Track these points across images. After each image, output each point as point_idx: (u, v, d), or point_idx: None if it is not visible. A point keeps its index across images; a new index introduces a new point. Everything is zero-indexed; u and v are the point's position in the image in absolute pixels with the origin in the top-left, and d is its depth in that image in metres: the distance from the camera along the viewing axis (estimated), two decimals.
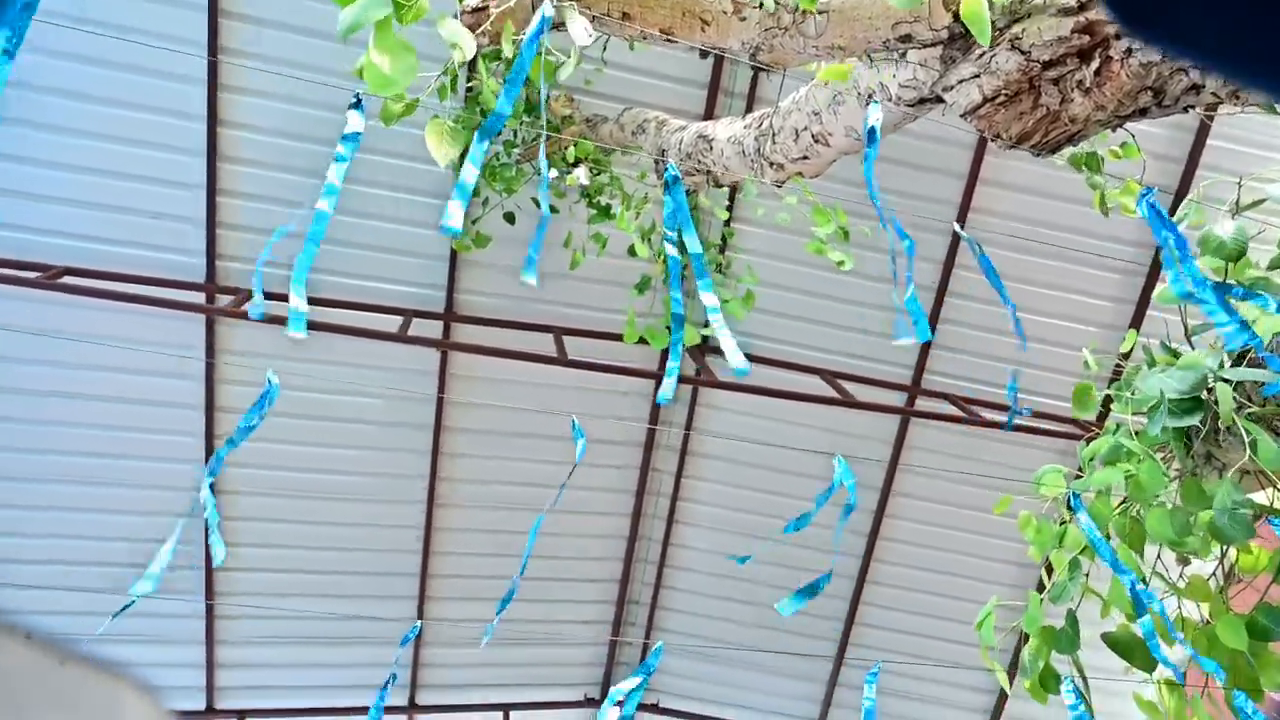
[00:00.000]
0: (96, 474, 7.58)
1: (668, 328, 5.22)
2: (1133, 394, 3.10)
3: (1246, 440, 2.56)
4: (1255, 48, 0.31)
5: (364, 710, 9.01)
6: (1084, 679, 3.15)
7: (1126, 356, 3.83)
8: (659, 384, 8.27)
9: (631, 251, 6.45)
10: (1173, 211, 6.90)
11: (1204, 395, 3.05)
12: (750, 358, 8.23)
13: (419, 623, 5.52)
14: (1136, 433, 3.39)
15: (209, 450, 7.68)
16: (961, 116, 2.50)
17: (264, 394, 3.80)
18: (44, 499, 7.52)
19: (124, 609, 4.45)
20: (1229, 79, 0.37)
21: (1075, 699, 3.06)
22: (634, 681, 4.82)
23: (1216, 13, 0.30)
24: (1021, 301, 8.13)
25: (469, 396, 8.13)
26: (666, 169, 2.97)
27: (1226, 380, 2.63)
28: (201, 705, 8.52)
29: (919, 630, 9.30)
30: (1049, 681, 3.12)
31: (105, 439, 7.47)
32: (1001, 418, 8.03)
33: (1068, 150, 4.69)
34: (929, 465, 8.77)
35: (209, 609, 8.19)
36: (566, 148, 5.99)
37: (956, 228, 4.05)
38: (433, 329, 7.62)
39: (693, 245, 3.06)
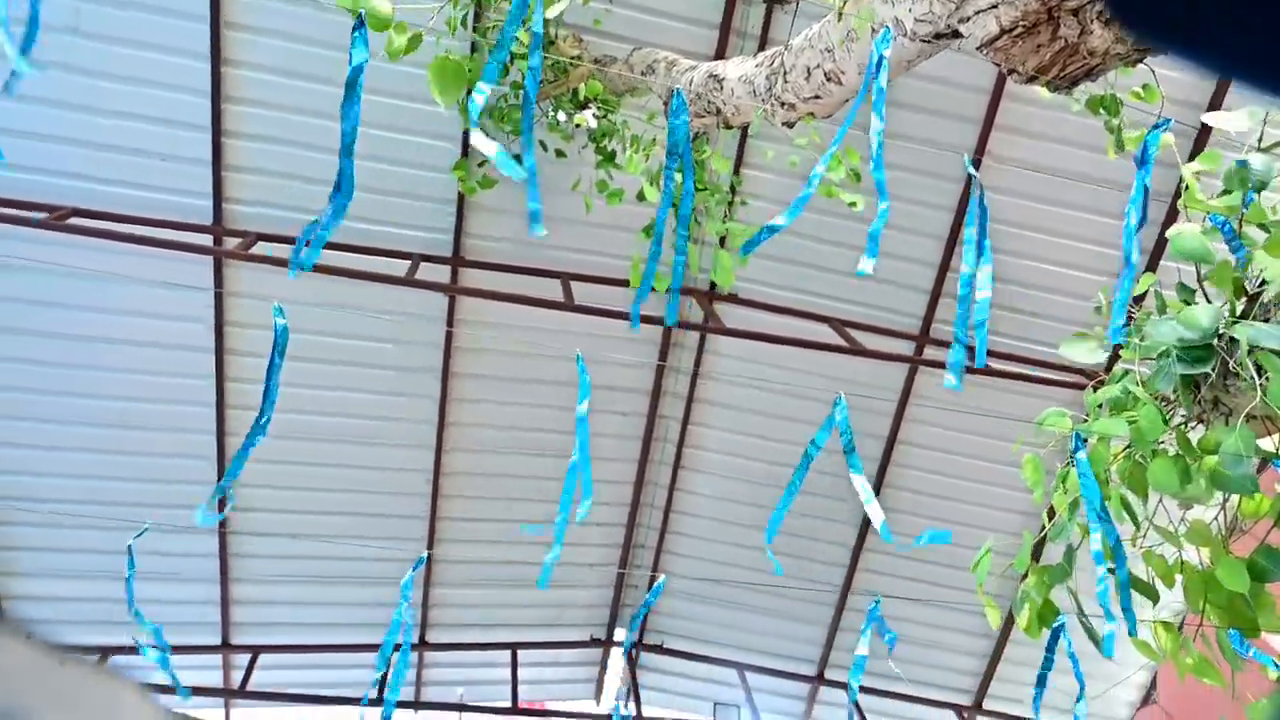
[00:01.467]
0: (108, 416, 7.66)
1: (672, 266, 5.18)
2: (1142, 340, 3.08)
3: (1258, 382, 2.55)
4: (1248, 47, 0.30)
5: (374, 648, 9.24)
6: (1083, 613, 3.19)
7: (1140, 301, 3.79)
8: (668, 333, 8.28)
9: (640, 196, 6.38)
10: (1192, 157, 6.78)
11: (1214, 343, 3.03)
12: (757, 305, 8.24)
13: (425, 553, 5.58)
14: (1142, 382, 3.38)
15: (220, 393, 7.75)
16: (978, 49, 2.44)
17: (275, 339, 3.82)
18: (57, 439, 7.61)
19: (139, 534, 4.51)
20: (1223, 75, 0.37)
21: (1067, 636, 3.10)
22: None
23: (1212, 12, 0.30)
24: (1034, 250, 8.07)
25: (477, 342, 8.15)
26: (675, 94, 2.92)
27: (1239, 322, 2.60)
28: (217, 640, 8.74)
29: (922, 576, 9.41)
30: (1046, 616, 3.17)
31: (117, 381, 7.54)
32: (1014, 368, 8.02)
33: (1086, 92, 4.59)
34: (936, 415, 8.78)
35: (222, 548, 8.34)
36: (575, 88, 5.90)
37: (967, 161, 3.98)
38: (440, 273, 7.61)
39: (687, 182, 3.03)
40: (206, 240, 7.08)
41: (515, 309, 7.62)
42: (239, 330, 7.61)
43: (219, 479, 8.05)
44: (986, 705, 10.00)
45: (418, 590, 9.06)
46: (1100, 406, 3.46)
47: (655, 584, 5.62)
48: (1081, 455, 2.94)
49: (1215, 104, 7.55)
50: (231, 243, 7.00)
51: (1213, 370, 3.14)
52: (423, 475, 8.52)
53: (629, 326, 8.12)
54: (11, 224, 6.22)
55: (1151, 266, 8.01)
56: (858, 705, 9.86)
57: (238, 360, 7.71)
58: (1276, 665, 3.23)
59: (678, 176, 3.04)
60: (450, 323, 7.89)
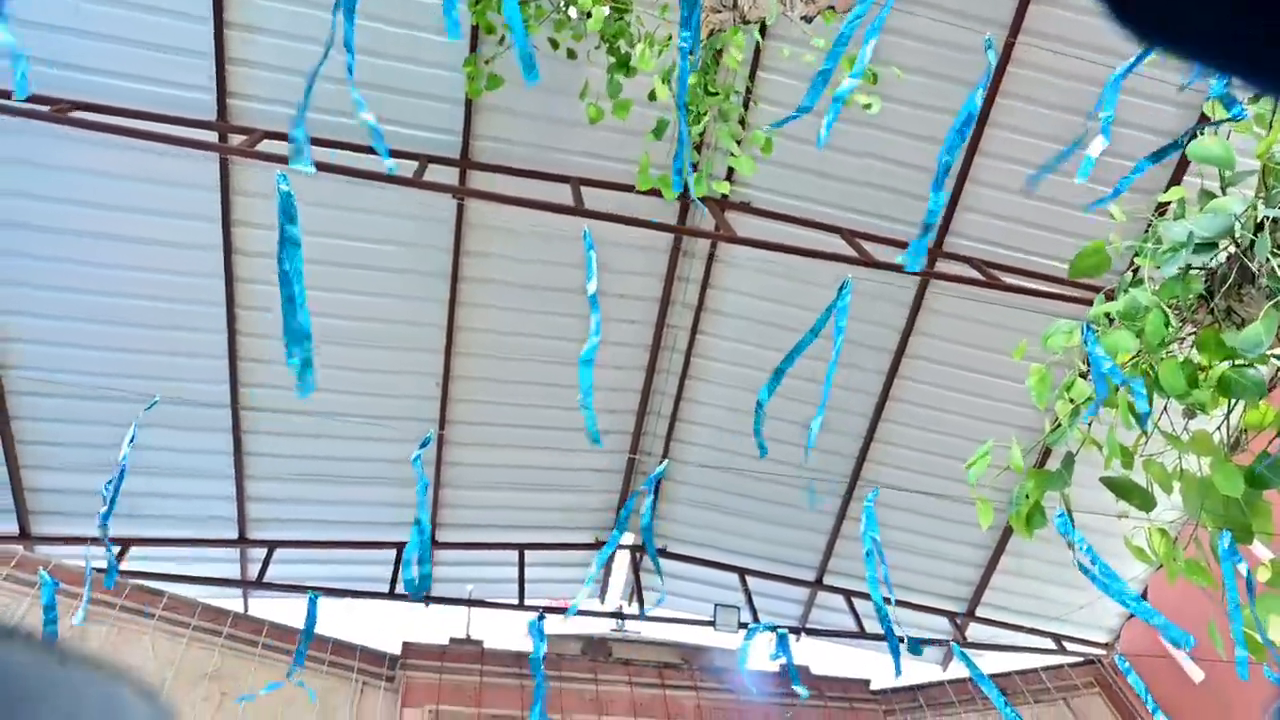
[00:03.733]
0: (119, 314, 7.70)
1: (679, 172, 5.10)
2: (1158, 245, 3.03)
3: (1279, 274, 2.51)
4: (1245, 48, 0.30)
5: (385, 544, 9.51)
6: (1071, 523, 3.24)
7: (1162, 211, 3.72)
8: (678, 239, 8.20)
9: (651, 96, 6.24)
10: None
11: (1230, 247, 2.98)
12: (769, 214, 8.12)
13: (432, 431, 5.65)
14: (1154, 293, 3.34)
15: (230, 294, 7.75)
16: None
17: (280, 206, 3.79)
18: (67, 336, 7.65)
19: (149, 406, 4.56)
20: (1221, 74, 0.35)
21: (1065, 527, 3.16)
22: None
23: (1208, 12, 0.30)
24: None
25: (486, 246, 8.10)
26: None
27: (1262, 224, 2.55)
28: (234, 535, 9.00)
29: (922, 487, 9.54)
30: (1035, 517, 3.22)
31: (127, 279, 7.54)
32: (1027, 284, 7.93)
33: None
34: (946, 330, 8.75)
35: (237, 447, 8.50)
36: None
37: (988, 42, 3.83)
38: (449, 176, 7.50)
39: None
40: (211, 137, 6.97)
41: (524, 214, 7.54)
42: (247, 230, 7.57)
43: (231, 378, 8.15)
44: (979, 613, 10.28)
45: (427, 489, 9.26)
46: (1107, 317, 3.43)
47: (658, 468, 5.69)
48: (1097, 350, 2.91)
49: None
50: (236, 140, 6.89)
51: (1225, 278, 3.10)
52: (432, 379, 8.60)
53: (638, 235, 8.05)
54: (12, 115, 6.12)
55: (1175, 181, 7.83)
56: (852, 606, 10.17)
57: (246, 261, 7.69)
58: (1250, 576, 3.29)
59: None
60: (459, 226, 7.83)
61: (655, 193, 7.09)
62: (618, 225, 7.02)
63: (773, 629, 5.82)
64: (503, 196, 6.81)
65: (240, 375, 8.20)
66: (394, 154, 7.24)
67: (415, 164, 7.11)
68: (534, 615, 7.17)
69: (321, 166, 6.19)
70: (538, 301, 8.37)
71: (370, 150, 7.20)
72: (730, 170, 7.52)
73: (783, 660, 9.14)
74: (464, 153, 7.51)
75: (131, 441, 4.57)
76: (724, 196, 7.86)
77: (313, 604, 6.34)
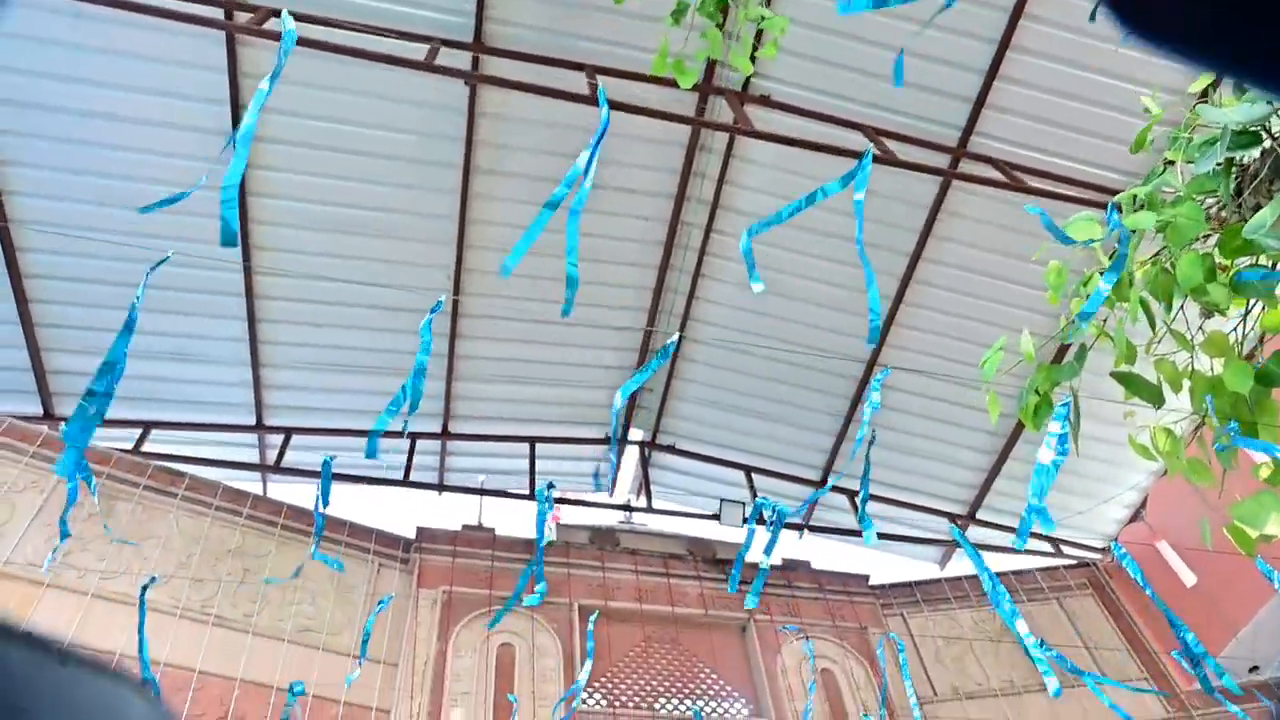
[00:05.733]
0: (131, 197, 7.64)
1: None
2: (1191, 136, 2.93)
3: None
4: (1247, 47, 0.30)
5: (398, 434, 9.69)
6: (1077, 410, 3.26)
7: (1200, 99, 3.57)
8: (695, 133, 8.01)
9: None
10: None
11: (1267, 141, 2.88)
12: (790, 108, 7.89)
13: (443, 297, 5.66)
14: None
15: (241, 180, 7.66)
16: None
17: (282, 44, 3.70)
18: (79, 218, 7.61)
19: (160, 262, 4.57)
20: (1222, 75, 0.32)
21: (1063, 424, 3.18)
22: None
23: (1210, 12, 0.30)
24: (1089, 60, 7.56)
25: (498, 137, 7.94)
26: None
27: None
28: (252, 420, 9.20)
29: (933, 390, 9.59)
30: (1043, 410, 3.24)
31: (134, 161, 7.46)
32: (1052, 188, 7.73)
33: None
34: (965, 233, 8.60)
35: (252, 334, 8.58)
36: None
37: None
38: (461, 60, 7.28)
39: None
40: (218, 14, 6.76)
41: (539, 105, 7.37)
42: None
43: (245, 266, 8.16)
44: (980, 516, 10.48)
45: (440, 383, 9.39)
46: (1133, 203, 3.35)
47: (668, 343, 5.69)
48: (1117, 219, 2.85)
49: None
50: (243, 17, 6.68)
51: (1257, 172, 3.01)
52: (444, 271, 8.58)
53: (653, 127, 7.85)
54: None
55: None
56: (855, 506, 10.38)
57: (257, 145, 7.56)
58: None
59: None
60: (471, 114, 7.65)
61: (672, 83, 6.88)
62: (633, 117, 6.84)
63: (772, 507, 5.94)
64: (516, 83, 6.62)
65: (254, 263, 8.21)
66: (404, 36, 7.05)
67: (426, 47, 6.90)
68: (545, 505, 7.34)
69: (330, 47, 6.02)
70: (550, 194, 8.23)
71: (383, 31, 7.00)
72: (752, 58, 7.26)
73: (784, 555, 9.41)
74: (477, 36, 7.27)
75: (140, 298, 4.55)
76: (744, 88, 7.63)
77: (327, 466, 6.43)
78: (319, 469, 9.32)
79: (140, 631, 6.00)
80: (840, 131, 7.79)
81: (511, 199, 8.26)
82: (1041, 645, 4.96)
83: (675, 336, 5.37)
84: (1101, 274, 3.47)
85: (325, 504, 5.87)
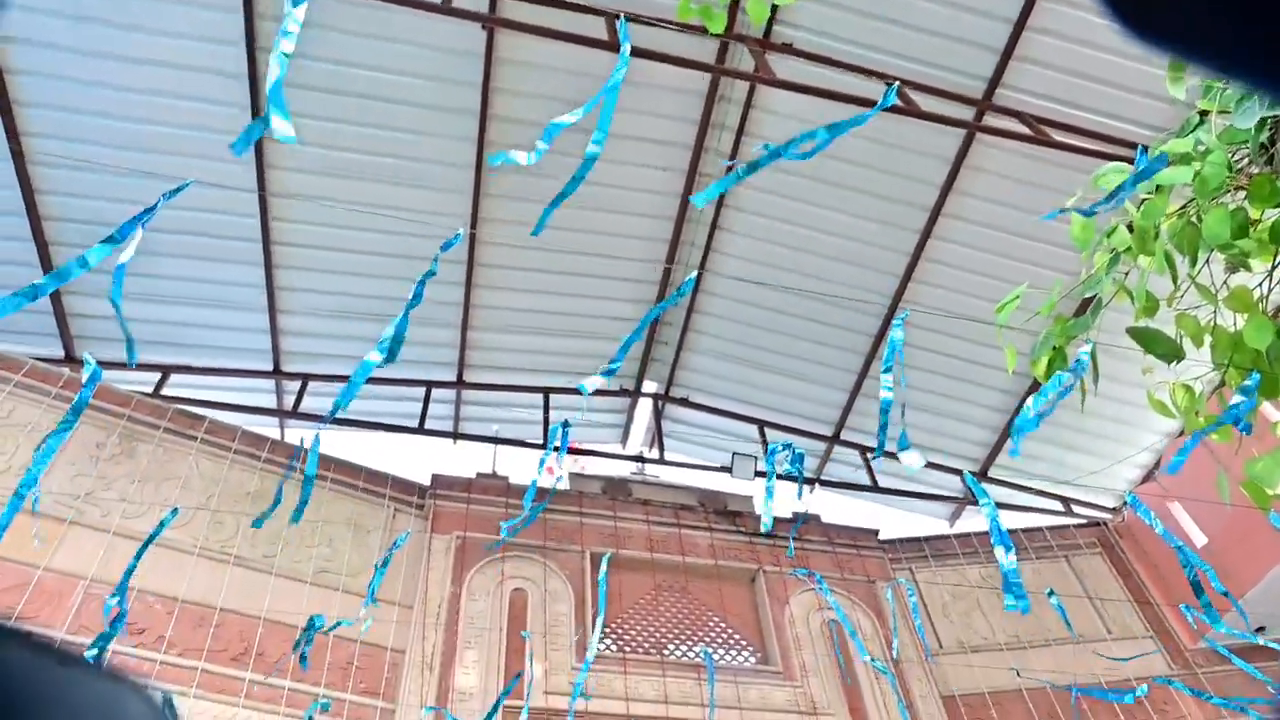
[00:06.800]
0: (142, 141, 7.63)
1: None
2: (1225, 86, 2.85)
3: None
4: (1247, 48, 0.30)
5: (415, 382, 9.78)
6: (1095, 368, 3.24)
7: None
8: (714, 82, 7.88)
9: None
10: None
11: None
12: (812, 56, 7.72)
13: (460, 230, 5.62)
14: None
15: (258, 149, 7.61)
16: None
17: None
18: (95, 157, 7.58)
19: (180, 188, 4.57)
20: (1221, 75, 0.31)
21: (1073, 376, 3.15)
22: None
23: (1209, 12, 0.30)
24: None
25: (516, 84, 7.84)
26: None
27: None
28: (269, 366, 9.28)
29: (950, 348, 9.55)
30: (1056, 362, 3.22)
31: (149, 104, 7.42)
32: (1078, 142, 7.57)
33: None
34: (987, 188, 8.47)
35: (269, 280, 8.61)
36: None
37: None
38: (479, 3, 7.16)
39: None
40: None
41: (556, 52, 7.25)
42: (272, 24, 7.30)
43: (261, 213, 8.17)
44: (992, 474, 10.51)
45: (454, 331, 9.43)
46: (1161, 152, 3.28)
47: (688, 279, 5.66)
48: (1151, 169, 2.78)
49: None
50: None
51: None
52: (460, 220, 8.54)
53: (672, 76, 7.73)
54: None
55: None
56: (866, 461, 10.41)
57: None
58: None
59: None
60: (488, 61, 7.55)
61: (693, 30, 6.75)
62: (652, 65, 6.74)
63: (789, 446, 5.92)
64: (534, 27, 6.51)
65: (270, 210, 8.21)
66: None
67: None
68: (560, 454, 7.37)
69: None
70: (569, 143, 8.14)
71: None
72: (773, 6, 7.11)
73: (795, 509, 9.48)
74: None
75: (149, 214, 4.53)
76: (766, 33, 7.48)
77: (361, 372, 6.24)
78: (337, 415, 9.41)
79: (136, 556, 5.75)
80: (863, 81, 7.63)
81: (529, 148, 8.15)
82: (1050, 594, 4.99)
83: (694, 273, 5.32)
84: (1129, 227, 3.42)
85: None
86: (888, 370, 4.58)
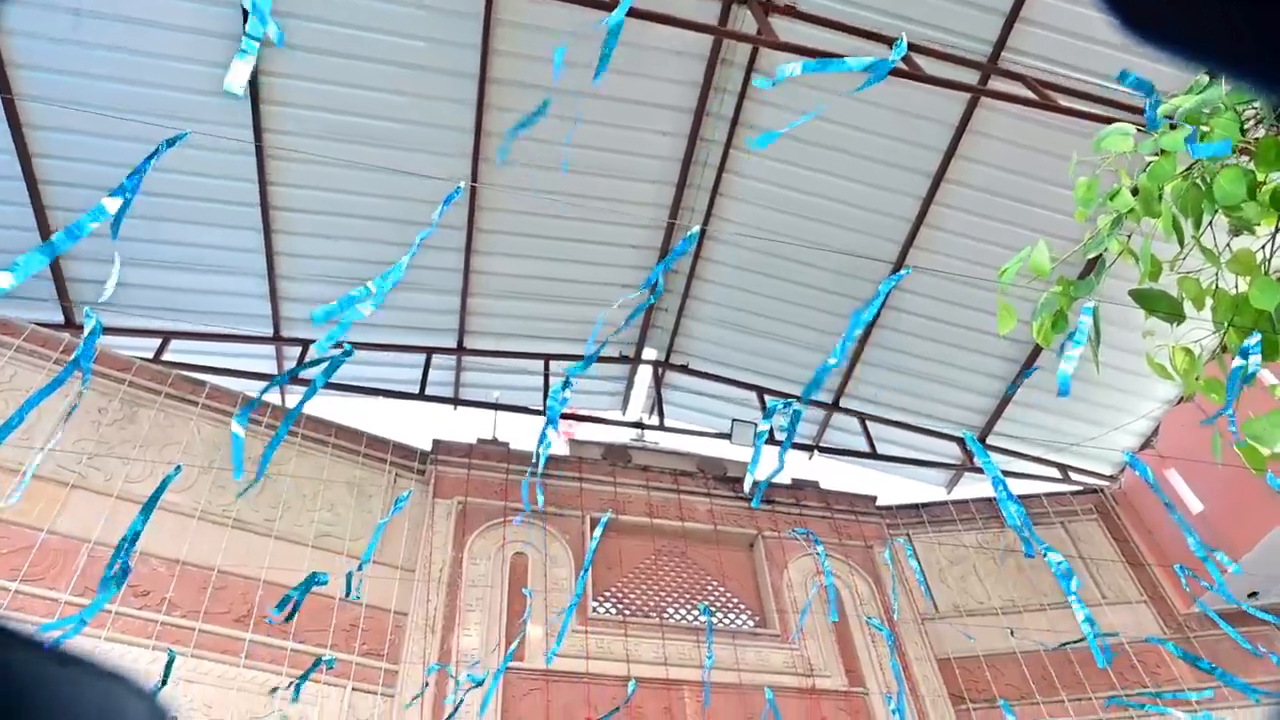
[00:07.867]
0: (144, 103, 7.56)
1: None
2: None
3: None
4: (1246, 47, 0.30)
5: (415, 349, 9.79)
6: (1097, 330, 3.24)
7: None
8: (716, 45, 7.79)
9: None
10: None
11: None
12: (816, 19, 7.63)
13: (461, 184, 5.57)
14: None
15: (254, 92, 7.55)
16: None
17: None
18: (82, 123, 7.50)
19: (176, 140, 4.52)
20: (1221, 75, 0.31)
21: (1075, 345, 3.16)
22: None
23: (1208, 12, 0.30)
24: None
25: (516, 46, 7.75)
26: None
27: None
28: (269, 332, 9.27)
29: (951, 317, 9.54)
30: (1058, 324, 3.22)
31: (134, 64, 7.33)
32: (1084, 107, 7.50)
33: None
34: (991, 154, 8.41)
35: (268, 245, 8.58)
36: None
37: None
38: None
39: None
40: None
41: (557, 10, 7.15)
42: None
43: (259, 177, 8.11)
44: (990, 441, 10.54)
45: (455, 297, 9.41)
46: (1170, 120, 3.26)
47: (688, 235, 5.62)
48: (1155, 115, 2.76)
49: None
50: None
51: None
52: (460, 184, 8.48)
53: (673, 39, 7.64)
54: None
55: None
56: (865, 429, 10.45)
57: (269, 51, 7.43)
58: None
59: None
60: (487, 22, 7.46)
61: None
62: (652, 27, 6.65)
63: (789, 405, 5.93)
64: None
65: (268, 174, 8.15)
66: None
67: None
68: (560, 422, 7.39)
69: None
70: (570, 107, 8.08)
71: None
72: None
73: (793, 475, 9.53)
74: None
75: (154, 158, 4.48)
76: None
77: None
78: (336, 382, 9.44)
79: (143, 513, 5.65)
80: (866, 45, 7.55)
81: (527, 111, 8.09)
82: (1048, 550, 5.03)
83: (696, 228, 5.28)
84: (1132, 190, 3.40)
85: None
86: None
